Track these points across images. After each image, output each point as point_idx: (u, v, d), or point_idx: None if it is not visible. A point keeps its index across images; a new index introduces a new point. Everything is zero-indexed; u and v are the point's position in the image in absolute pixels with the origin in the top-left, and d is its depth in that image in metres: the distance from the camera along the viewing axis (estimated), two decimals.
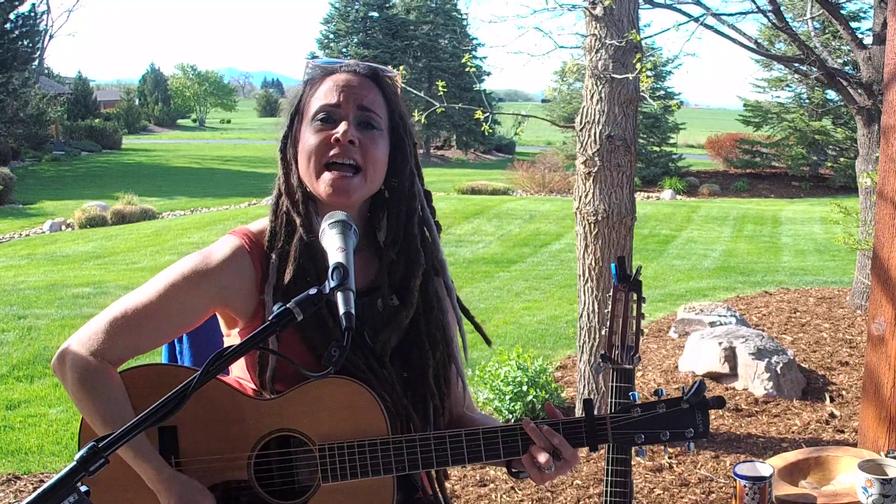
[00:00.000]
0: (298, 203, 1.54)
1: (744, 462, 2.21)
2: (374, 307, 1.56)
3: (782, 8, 6.76)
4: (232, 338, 1.59)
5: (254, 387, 1.55)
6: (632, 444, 1.50)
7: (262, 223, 1.59)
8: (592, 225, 3.82)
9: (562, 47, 4.67)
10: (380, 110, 1.54)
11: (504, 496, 3.39)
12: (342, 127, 1.49)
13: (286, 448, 1.49)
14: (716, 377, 4.54)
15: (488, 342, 1.75)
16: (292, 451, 1.49)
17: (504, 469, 1.61)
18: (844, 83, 6.17)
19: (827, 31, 16.16)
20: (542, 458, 1.44)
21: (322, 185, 1.50)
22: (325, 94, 1.53)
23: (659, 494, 3.40)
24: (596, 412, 1.49)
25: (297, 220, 1.53)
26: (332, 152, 1.49)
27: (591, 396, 3.93)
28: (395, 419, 1.53)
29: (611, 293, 1.63)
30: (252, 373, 1.55)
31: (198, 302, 1.50)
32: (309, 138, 1.52)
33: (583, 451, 3.97)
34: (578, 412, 4.13)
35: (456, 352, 1.65)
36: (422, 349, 1.58)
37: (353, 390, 1.47)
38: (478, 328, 1.70)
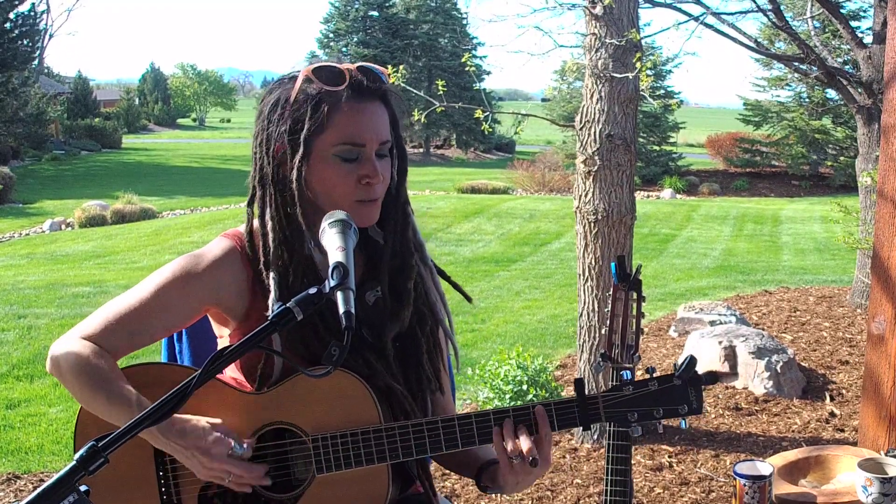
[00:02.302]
0: (295, 224, 1.52)
1: (744, 461, 2.21)
2: (364, 301, 1.57)
3: (782, 7, 6.75)
4: (224, 339, 1.60)
5: (250, 388, 1.55)
6: (625, 423, 1.49)
7: (254, 224, 1.59)
8: (592, 224, 3.82)
9: (562, 46, 4.68)
10: (389, 135, 1.54)
11: (504, 496, 3.39)
12: (372, 171, 1.48)
13: (280, 441, 1.49)
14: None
15: (468, 299, 1.77)
16: (286, 444, 1.49)
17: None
18: (844, 82, 6.17)
19: (827, 30, 16.16)
20: (510, 445, 1.45)
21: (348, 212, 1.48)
22: (345, 127, 1.47)
23: (659, 493, 3.40)
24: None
25: (295, 245, 1.52)
26: (361, 194, 1.49)
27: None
28: (396, 410, 1.54)
29: (611, 292, 1.63)
30: (246, 376, 1.55)
31: (189, 301, 1.51)
32: (332, 175, 1.48)
33: (582, 450, 3.97)
34: None
35: (441, 315, 1.67)
36: (412, 330, 1.61)
37: (344, 380, 1.48)
38: (455, 286, 1.72)
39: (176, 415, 1.35)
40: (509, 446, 1.45)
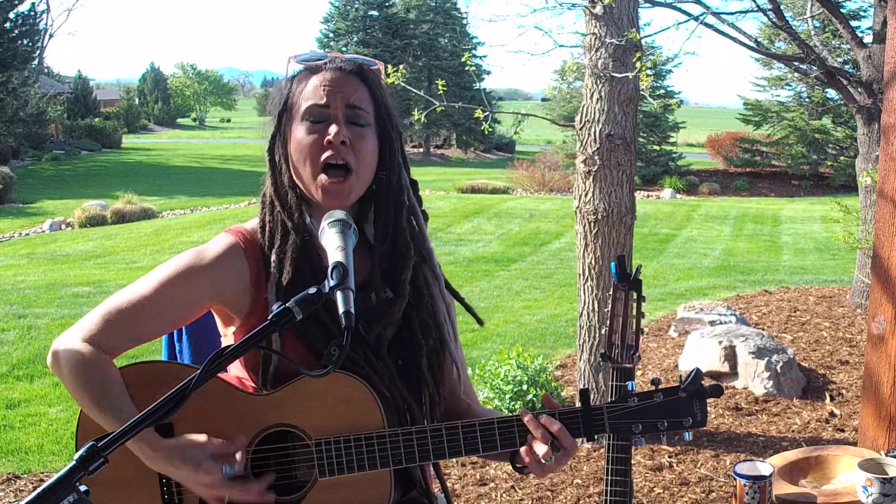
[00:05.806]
0: (289, 208, 1.55)
1: (744, 461, 2.21)
2: (368, 301, 1.57)
3: (782, 7, 6.75)
4: (228, 337, 1.60)
5: (254, 385, 1.55)
6: (630, 435, 1.49)
7: (257, 221, 1.60)
8: (592, 224, 3.82)
9: (562, 46, 4.69)
10: (367, 106, 1.54)
11: (504, 495, 3.39)
12: (334, 129, 1.49)
13: (284, 443, 1.49)
14: (716, 376, 4.54)
15: (480, 322, 1.76)
16: (289, 447, 1.49)
17: (505, 467, 1.61)
18: (844, 82, 6.17)
19: (827, 29, 16.17)
20: (541, 450, 1.44)
21: (317, 190, 1.52)
22: (312, 93, 1.52)
23: (659, 493, 3.40)
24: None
25: (289, 225, 1.54)
26: (325, 154, 1.50)
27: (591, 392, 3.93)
28: (395, 413, 1.54)
29: (611, 292, 1.63)
30: (251, 373, 1.55)
31: (192, 297, 1.51)
32: (301, 138, 1.52)
33: (582, 450, 3.97)
34: None
35: (447, 336, 1.66)
36: (414, 338, 1.59)
37: (349, 384, 1.47)
38: (468, 308, 1.71)
39: (165, 442, 1.40)
40: (539, 452, 1.45)
